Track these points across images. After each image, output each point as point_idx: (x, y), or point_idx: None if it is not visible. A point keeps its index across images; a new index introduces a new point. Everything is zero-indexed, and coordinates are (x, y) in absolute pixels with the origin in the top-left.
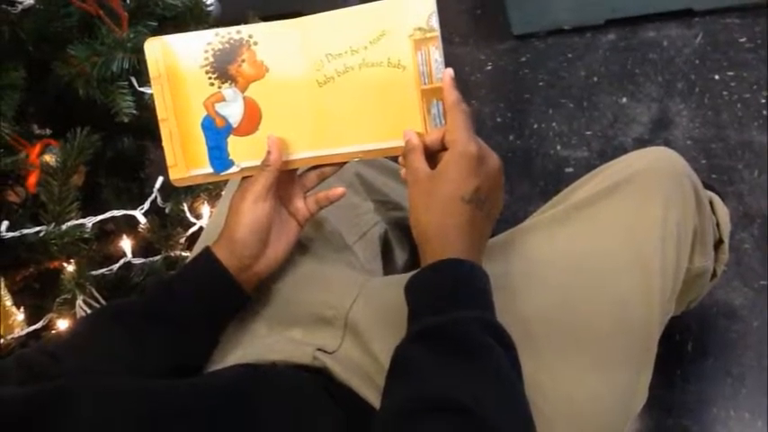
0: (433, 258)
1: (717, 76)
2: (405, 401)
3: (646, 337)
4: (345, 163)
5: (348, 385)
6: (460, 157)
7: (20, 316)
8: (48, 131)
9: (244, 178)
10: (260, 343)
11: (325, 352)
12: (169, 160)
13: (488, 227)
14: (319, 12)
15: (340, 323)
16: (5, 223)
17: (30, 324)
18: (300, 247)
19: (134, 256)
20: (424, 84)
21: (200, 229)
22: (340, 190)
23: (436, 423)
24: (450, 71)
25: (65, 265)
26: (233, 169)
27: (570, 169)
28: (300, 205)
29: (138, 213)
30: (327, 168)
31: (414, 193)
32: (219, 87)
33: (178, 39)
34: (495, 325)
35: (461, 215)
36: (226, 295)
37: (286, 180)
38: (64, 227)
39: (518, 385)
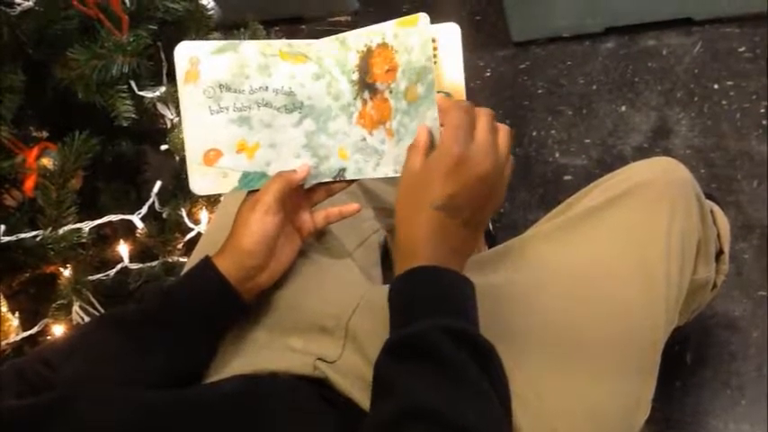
0: (402, 266)
1: (716, 86)
2: (381, 414)
3: (650, 347)
4: (354, 181)
5: (349, 395)
6: (438, 158)
7: (15, 321)
8: (45, 134)
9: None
10: (260, 352)
11: (325, 362)
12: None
13: (463, 235)
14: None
15: (340, 332)
16: (2, 227)
17: (25, 329)
18: (301, 255)
19: (131, 261)
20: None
21: (198, 234)
22: (355, 206)
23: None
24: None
25: (61, 269)
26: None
27: (569, 177)
28: (306, 218)
29: (135, 218)
30: (336, 185)
31: (400, 189)
32: None
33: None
34: (459, 330)
35: (427, 224)
36: (225, 304)
37: (293, 193)
38: (61, 231)
39: (484, 386)
